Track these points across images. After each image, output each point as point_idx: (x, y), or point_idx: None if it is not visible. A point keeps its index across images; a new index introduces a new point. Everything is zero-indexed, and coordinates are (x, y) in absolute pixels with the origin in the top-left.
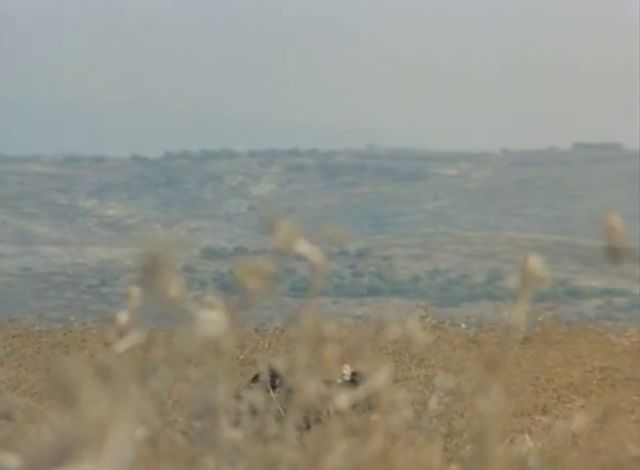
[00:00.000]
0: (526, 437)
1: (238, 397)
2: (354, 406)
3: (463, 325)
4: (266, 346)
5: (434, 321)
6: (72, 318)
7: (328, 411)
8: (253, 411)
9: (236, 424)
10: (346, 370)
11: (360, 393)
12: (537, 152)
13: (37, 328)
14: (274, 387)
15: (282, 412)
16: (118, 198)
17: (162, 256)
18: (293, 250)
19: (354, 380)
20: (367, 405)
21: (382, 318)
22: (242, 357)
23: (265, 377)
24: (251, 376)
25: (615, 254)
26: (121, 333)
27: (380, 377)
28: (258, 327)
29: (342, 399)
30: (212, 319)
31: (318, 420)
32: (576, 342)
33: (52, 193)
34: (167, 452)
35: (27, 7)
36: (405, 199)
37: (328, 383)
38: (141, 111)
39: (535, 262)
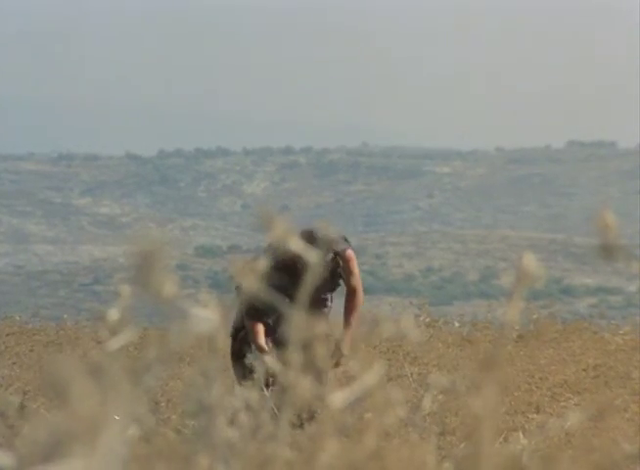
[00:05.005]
0: (520, 435)
1: (232, 395)
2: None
3: (456, 323)
4: None
5: (427, 319)
6: (65, 316)
7: (321, 410)
8: (248, 409)
9: (230, 422)
10: None
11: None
12: (531, 150)
13: (31, 326)
14: (268, 385)
15: (276, 411)
16: (112, 196)
17: (156, 253)
18: (287, 248)
19: None
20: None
21: (375, 316)
22: None
23: (260, 375)
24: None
25: (609, 252)
26: (114, 331)
27: (373, 375)
28: None
29: (337, 397)
30: (206, 317)
31: (312, 418)
32: (570, 340)
33: (45, 191)
34: (161, 451)
35: (25, 7)
36: (399, 197)
37: (321, 381)
38: (135, 109)
39: (529, 260)
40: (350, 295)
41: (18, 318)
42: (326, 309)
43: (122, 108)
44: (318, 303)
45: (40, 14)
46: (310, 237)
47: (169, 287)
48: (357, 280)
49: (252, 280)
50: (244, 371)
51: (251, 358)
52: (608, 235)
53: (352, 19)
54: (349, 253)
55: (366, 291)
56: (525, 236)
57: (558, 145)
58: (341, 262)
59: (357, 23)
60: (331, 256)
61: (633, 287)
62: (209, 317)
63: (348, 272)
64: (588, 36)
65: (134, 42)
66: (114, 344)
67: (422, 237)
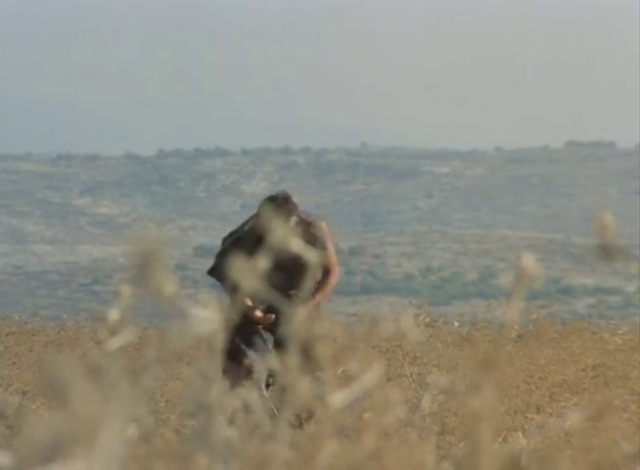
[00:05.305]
0: (519, 435)
1: (231, 395)
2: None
3: (456, 323)
4: None
5: (426, 319)
6: (65, 316)
7: (321, 410)
8: (247, 409)
9: (229, 422)
10: None
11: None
12: (530, 150)
13: (30, 326)
14: (267, 385)
15: (275, 411)
16: (111, 196)
17: (155, 253)
18: (286, 248)
19: None
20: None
21: (375, 316)
22: None
23: (259, 375)
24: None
25: (608, 252)
26: (113, 331)
27: (372, 375)
28: None
29: (336, 397)
30: (205, 317)
31: (310, 418)
32: (570, 340)
33: (44, 191)
34: (160, 451)
35: (24, 7)
36: (398, 197)
37: (321, 381)
38: (134, 109)
39: (528, 260)
40: (323, 276)
41: (17, 318)
42: (309, 303)
43: (121, 108)
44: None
45: (39, 14)
46: (274, 202)
47: (169, 287)
48: (332, 258)
49: (250, 278)
50: (239, 372)
51: (250, 359)
52: (607, 235)
53: (351, 19)
54: (322, 223)
55: (365, 290)
56: (524, 236)
57: (557, 145)
58: (312, 231)
59: (356, 23)
60: (298, 220)
61: (632, 287)
62: (209, 318)
63: (321, 248)
64: (587, 37)
65: (133, 42)
66: (114, 344)
67: (421, 237)
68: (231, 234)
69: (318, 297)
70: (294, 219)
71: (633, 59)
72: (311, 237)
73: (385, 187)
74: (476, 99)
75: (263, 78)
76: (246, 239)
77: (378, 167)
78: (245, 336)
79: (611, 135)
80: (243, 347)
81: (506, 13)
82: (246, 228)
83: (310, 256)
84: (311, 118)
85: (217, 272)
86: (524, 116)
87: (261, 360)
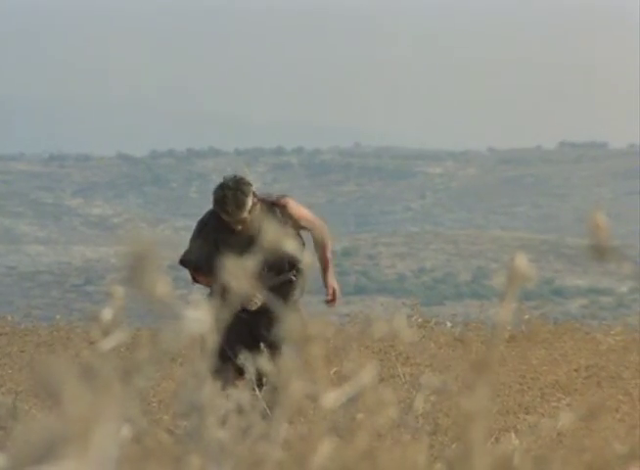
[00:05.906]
0: (512, 435)
1: (224, 395)
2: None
3: (449, 324)
4: None
5: (419, 320)
6: (58, 317)
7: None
8: (239, 410)
9: (222, 423)
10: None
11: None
12: (523, 150)
13: (22, 326)
14: (260, 386)
15: (267, 411)
16: (104, 196)
17: (148, 254)
18: (279, 248)
19: None
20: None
21: (368, 316)
22: None
23: (251, 376)
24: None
25: (600, 252)
26: (106, 332)
27: (366, 375)
28: None
29: (330, 397)
30: (198, 318)
31: (303, 419)
32: (562, 340)
33: (37, 192)
34: (153, 451)
35: (15, 6)
36: (391, 197)
37: (314, 381)
38: (127, 109)
39: (521, 261)
40: (317, 239)
41: (9, 319)
42: (295, 292)
43: (114, 108)
44: (281, 286)
45: (33, 13)
46: (225, 187)
47: (161, 288)
48: (313, 222)
49: (241, 279)
50: (230, 372)
51: (242, 359)
52: (600, 236)
53: (346, 20)
54: (287, 200)
55: (359, 291)
56: (517, 237)
57: (549, 146)
58: (279, 212)
59: (352, 24)
60: (257, 202)
61: (624, 288)
62: (201, 318)
63: (298, 219)
64: (581, 39)
65: (127, 42)
66: (107, 344)
67: (414, 237)
68: (200, 220)
69: (327, 255)
70: (249, 201)
71: (626, 60)
72: (278, 218)
73: (378, 188)
74: (469, 100)
75: (256, 79)
76: (209, 225)
77: (371, 168)
78: (231, 335)
79: (603, 136)
80: (232, 346)
81: (502, 14)
82: (209, 215)
83: (275, 235)
84: (304, 119)
85: (182, 260)
86: (517, 116)
87: (252, 360)
